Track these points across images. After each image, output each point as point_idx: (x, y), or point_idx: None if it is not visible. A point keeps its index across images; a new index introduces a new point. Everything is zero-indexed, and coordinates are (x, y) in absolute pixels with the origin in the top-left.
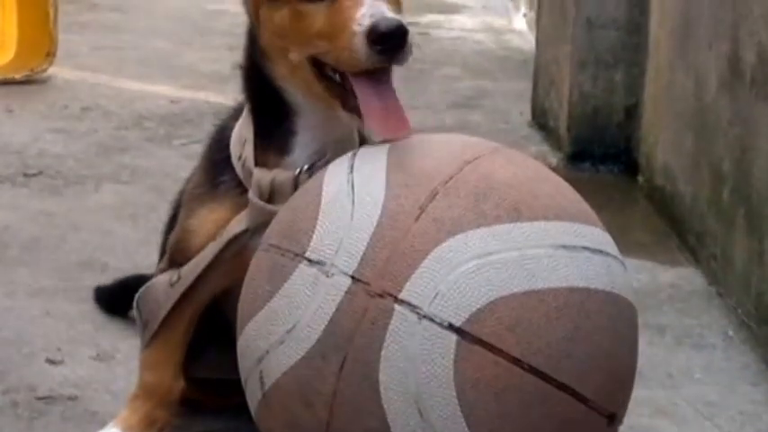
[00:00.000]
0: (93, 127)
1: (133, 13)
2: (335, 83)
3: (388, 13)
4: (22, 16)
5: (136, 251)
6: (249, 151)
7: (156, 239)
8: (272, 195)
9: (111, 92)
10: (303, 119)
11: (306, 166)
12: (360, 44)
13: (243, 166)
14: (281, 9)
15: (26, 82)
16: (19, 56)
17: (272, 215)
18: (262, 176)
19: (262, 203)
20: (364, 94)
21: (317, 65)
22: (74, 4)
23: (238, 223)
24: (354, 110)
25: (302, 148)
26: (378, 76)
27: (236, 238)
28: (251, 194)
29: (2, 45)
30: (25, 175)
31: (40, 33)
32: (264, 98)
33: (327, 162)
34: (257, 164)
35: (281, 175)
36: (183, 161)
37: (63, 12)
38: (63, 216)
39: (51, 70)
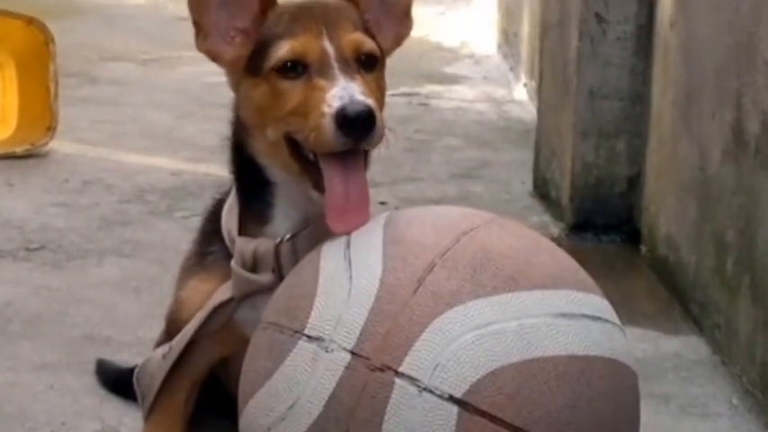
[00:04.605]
0: (95, 201)
1: (133, 86)
2: (309, 162)
3: (359, 95)
4: (23, 91)
5: (139, 325)
6: (233, 221)
7: (160, 313)
8: (255, 265)
9: (112, 165)
10: (282, 192)
11: (287, 236)
12: (328, 126)
13: (229, 236)
14: (260, 85)
15: (27, 156)
16: (19, 130)
17: (255, 284)
18: (244, 246)
19: (244, 272)
20: (330, 178)
21: (293, 143)
22: (74, 78)
23: (223, 292)
24: (324, 191)
25: (283, 219)
26: (348, 158)
27: (220, 306)
28: (233, 264)
29: (2, 119)
30: (27, 249)
31: (40, 108)
32: (246, 170)
33: (311, 232)
34: (241, 234)
35: (263, 244)
36: (185, 234)
37: (63, 86)
38: (65, 290)
39: (52, 144)
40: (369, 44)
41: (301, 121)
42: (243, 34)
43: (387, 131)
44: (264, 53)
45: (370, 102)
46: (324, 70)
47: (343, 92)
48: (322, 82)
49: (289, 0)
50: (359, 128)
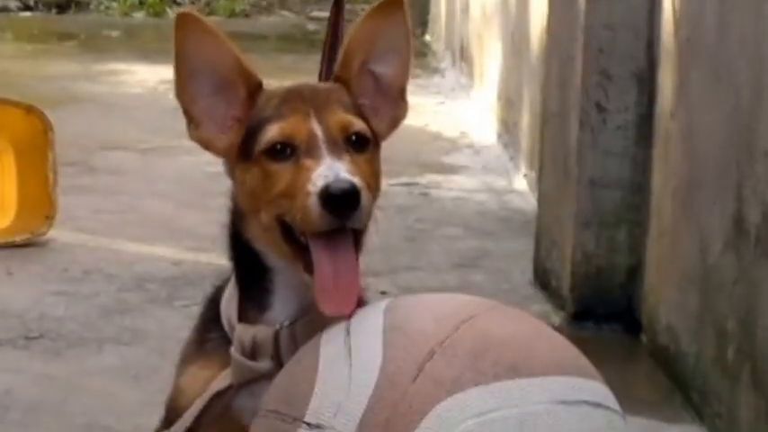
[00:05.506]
0: (95, 290)
1: (132, 175)
2: (301, 245)
3: (344, 173)
4: (22, 179)
5: (139, 413)
6: (233, 308)
7: (159, 401)
8: (255, 351)
9: (112, 254)
10: (280, 278)
11: (286, 323)
12: (313, 205)
13: (229, 323)
14: (251, 169)
15: (26, 245)
16: (18, 219)
17: (254, 371)
18: (243, 332)
19: (243, 359)
20: (318, 258)
21: (284, 226)
22: (72, 167)
23: (222, 379)
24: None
25: (282, 306)
26: (336, 238)
27: (219, 394)
28: (233, 350)
29: (1, 208)
30: (26, 338)
31: (39, 197)
32: (244, 257)
33: (310, 319)
34: (241, 320)
35: (262, 331)
36: (185, 322)
37: (62, 175)
38: (65, 379)
39: (51, 233)
40: (358, 125)
41: (290, 203)
42: (235, 121)
43: (376, 212)
44: (254, 137)
45: (356, 180)
46: (311, 151)
47: (328, 171)
48: (309, 162)
49: (279, 85)
50: (344, 206)
